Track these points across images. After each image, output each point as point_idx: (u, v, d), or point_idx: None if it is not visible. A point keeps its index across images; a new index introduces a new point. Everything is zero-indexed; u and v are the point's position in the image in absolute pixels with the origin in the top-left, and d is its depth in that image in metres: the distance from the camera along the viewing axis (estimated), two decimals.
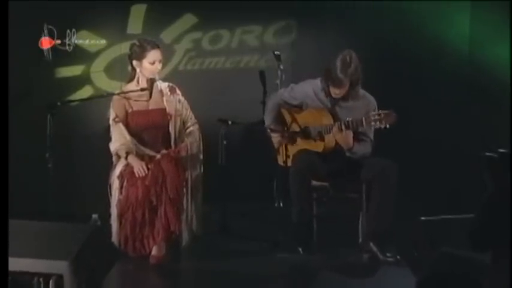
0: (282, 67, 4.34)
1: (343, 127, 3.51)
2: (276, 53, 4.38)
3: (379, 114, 3.43)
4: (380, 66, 4.62)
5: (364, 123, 3.49)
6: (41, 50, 3.85)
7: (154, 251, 3.49)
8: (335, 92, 3.58)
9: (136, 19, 4.92)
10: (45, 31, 3.51)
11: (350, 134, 3.54)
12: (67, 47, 3.54)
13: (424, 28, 4.73)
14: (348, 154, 3.62)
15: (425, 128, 4.66)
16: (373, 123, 3.45)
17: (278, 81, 4.31)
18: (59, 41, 3.55)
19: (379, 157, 3.65)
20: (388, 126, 3.41)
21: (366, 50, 4.43)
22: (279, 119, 3.87)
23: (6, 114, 2.76)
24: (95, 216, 4.00)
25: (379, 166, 3.58)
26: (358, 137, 3.62)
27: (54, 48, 3.89)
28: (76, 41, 3.52)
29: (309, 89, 3.73)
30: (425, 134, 4.65)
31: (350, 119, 3.53)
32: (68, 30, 3.51)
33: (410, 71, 4.73)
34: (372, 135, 3.68)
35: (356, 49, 3.63)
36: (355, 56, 3.54)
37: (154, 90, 3.64)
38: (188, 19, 4.97)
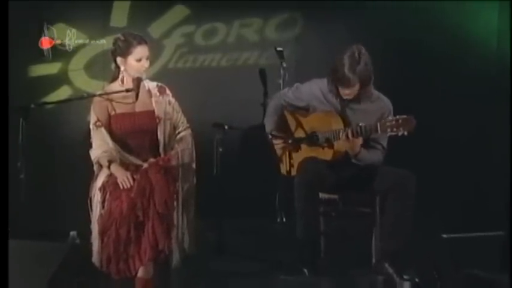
0: (284, 65, 4.34)
1: (349, 135, 3.50)
2: (278, 49, 4.39)
3: (397, 120, 3.42)
4: (396, 64, 4.62)
5: (379, 129, 3.48)
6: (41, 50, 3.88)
7: (140, 273, 3.46)
8: (344, 92, 3.58)
9: (120, 11, 4.92)
10: (45, 31, 3.57)
11: (359, 140, 3.53)
12: (67, 47, 3.59)
13: (446, 21, 4.71)
14: (353, 161, 3.62)
15: (448, 133, 4.65)
16: (389, 129, 3.44)
17: (280, 81, 4.32)
18: (59, 41, 3.61)
19: (394, 166, 3.65)
20: (406, 133, 3.40)
21: (381, 45, 4.43)
22: (282, 123, 3.87)
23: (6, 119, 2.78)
24: (73, 233, 3.99)
25: (394, 176, 3.57)
26: (368, 143, 3.62)
27: (22, 43, 3.90)
28: (77, 41, 3.58)
29: (316, 89, 3.72)
30: (447, 141, 4.64)
31: (362, 124, 3.52)
32: (68, 31, 3.56)
33: (431, 69, 4.72)
34: (384, 142, 3.67)
35: (369, 45, 3.62)
36: (364, 51, 3.54)
37: (141, 91, 3.63)
38: (179, 11, 4.97)
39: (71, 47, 3.56)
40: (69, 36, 3.50)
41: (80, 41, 3.58)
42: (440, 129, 4.62)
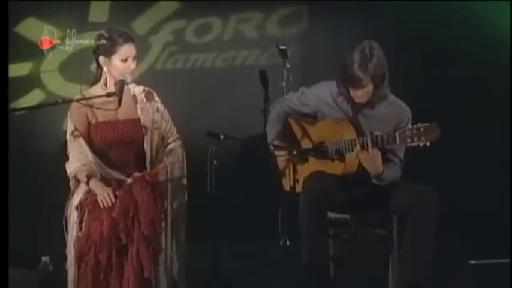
0: (288, 65, 4.33)
1: (368, 144, 3.50)
2: (280, 47, 4.38)
3: (418, 129, 3.40)
4: (413, 64, 4.62)
5: (397, 139, 3.46)
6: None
7: None
8: (356, 95, 3.58)
9: (100, 3, 4.93)
10: (45, 31, 3.62)
11: (378, 155, 3.52)
12: (67, 47, 3.62)
13: (471, 15, 4.71)
14: (374, 181, 3.61)
15: (475, 145, 4.63)
16: (409, 139, 3.41)
17: (283, 84, 4.30)
18: (59, 41, 3.65)
19: (415, 182, 3.64)
20: (428, 143, 3.40)
21: (396, 43, 4.43)
22: (286, 132, 3.87)
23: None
24: (45, 259, 3.97)
25: (415, 194, 3.56)
26: (384, 156, 3.61)
27: None
28: (76, 41, 3.63)
29: (325, 93, 3.73)
30: (473, 152, 4.62)
31: (379, 133, 3.50)
32: (68, 30, 3.61)
33: (453, 70, 4.71)
34: (402, 155, 3.66)
35: (383, 42, 3.62)
36: (377, 46, 3.54)
37: (125, 96, 3.62)
38: (168, 4, 4.98)
39: (71, 47, 3.59)
40: (69, 36, 3.54)
41: (81, 41, 3.60)
42: (465, 138, 4.59)
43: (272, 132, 3.88)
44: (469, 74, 4.70)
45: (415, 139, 3.39)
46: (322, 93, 3.74)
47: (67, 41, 3.61)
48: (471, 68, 4.69)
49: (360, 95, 3.57)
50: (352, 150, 3.56)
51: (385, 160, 3.61)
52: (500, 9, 4.69)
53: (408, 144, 3.46)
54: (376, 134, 3.50)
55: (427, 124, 3.40)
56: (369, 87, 3.53)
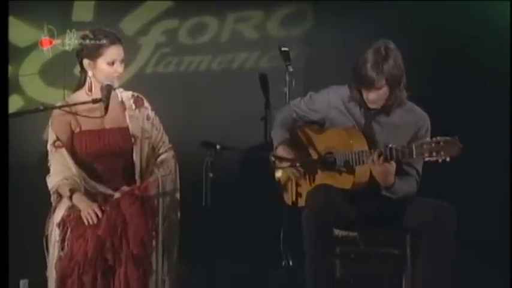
0: (291, 68, 4.34)
1: (377, 159, 3.47)
2: (283, 49, 4.39)
3: (438, 142, 3.38)
4: (416, 65, 4.60)
5: (414, 153, 3.44)
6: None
7: None
8: (370, 98, 3.57)
9: (84, 2, 4.93)
10: (45, 31, 3.65)
11: (392, 167, 3.51)
12: (66, 47, 3.65)
13: (471, 15, 4.70)
14: (384, 193, 3.60)
15: (497, 154, 4.62)
16: (427, 153, 3.39)
17: (286, 89, 4.32)
18: (59, 41, 3.67)
19: (430, 197, 3.62)
20: (448, 159, 3.37)
21: (409, 44, 4.42)
22: (292, 141, 3.85)
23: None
24: (23, 282, 3.94)
25: (430, 210, 3.55)
26: (400, 168, 3.60)
27: None
28: (76, 41, 3.65)
29: (335, 98, 3.73)
30: (496, 164, 4.61)
31: (393, 146, 3.48)
32: (68, 30, 3.64)
33: (452, 70, 4.71)
34: (420, 167, 3.66)
35: (395, 43, 3.62)
36: (393, 46, 3.55)
37: (112, 102, 3.61)
38: (159, 2, 4.99)
39: (71, 47, 3.62)
40: (69, 36, 3.57)
41: (80, 41, 3.62)
42: (489, 149, 4.58)
43: (278, 136, 3.87)
44: (469, 74, 4.70)
45: (434, 154, 3.37)
46: (332, 98, 3.74)
47: (67, 41, 3.62)
48: (470, 68, 4.70)
49: (373, 98, 3.56)
50: (363, 163, 3.54)
51: (401, 172, 3.61)
52: (500, 9, 4.71)
53: (426, 159, 3.43)
54: (390, 146, 3.48)
55: (448, 138, 3.36)
56: (384, 90, 3.54)
